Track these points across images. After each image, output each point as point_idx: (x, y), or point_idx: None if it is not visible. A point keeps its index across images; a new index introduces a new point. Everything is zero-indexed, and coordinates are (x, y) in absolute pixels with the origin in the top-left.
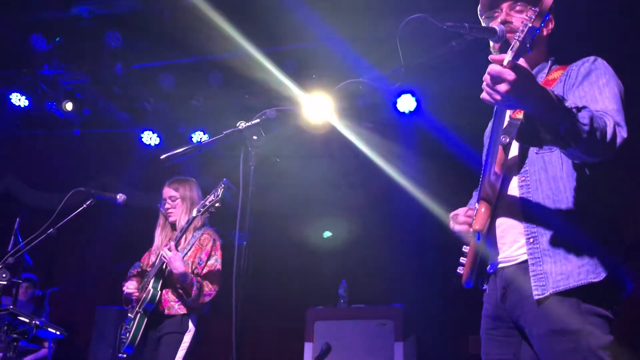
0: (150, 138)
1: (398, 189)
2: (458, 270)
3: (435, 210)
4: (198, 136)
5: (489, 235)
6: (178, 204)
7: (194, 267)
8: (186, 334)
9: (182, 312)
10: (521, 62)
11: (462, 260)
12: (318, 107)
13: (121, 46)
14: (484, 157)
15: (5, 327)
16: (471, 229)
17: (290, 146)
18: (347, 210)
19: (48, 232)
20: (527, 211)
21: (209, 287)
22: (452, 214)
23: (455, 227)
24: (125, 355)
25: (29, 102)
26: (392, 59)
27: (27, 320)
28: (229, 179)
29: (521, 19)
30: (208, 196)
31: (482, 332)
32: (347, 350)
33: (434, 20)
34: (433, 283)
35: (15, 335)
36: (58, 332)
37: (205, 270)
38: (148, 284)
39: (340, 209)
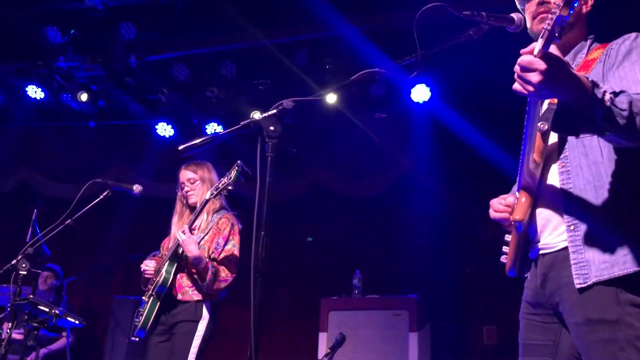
0: (164, 129)
1: (412, 179)
2: (501, 259)
3: (449, 200)
4: (212, 127)
5: (530, 223)
6: (198, 185)
7: (210, 252)
8: (200, 322)
9: (197, 299)
10: (553, 49)
11: (505, 249)
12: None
13: (135, 38)
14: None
15: (26, 316)
16: (512, 219)
17: (305, 136)
18: (361, 201)
19: (65, 223)
20: (568, 198)
21: (225, 273)
22: (491, 201)
23: (496, 215)
24: (137, 339)
25: (44, 94)
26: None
27: (47, 310)
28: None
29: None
30: (222, 179)
31: (521, 316)
32: (361, 341)
33: (451, 9)
34: (447, 273)
35: (35, 324)
36: (76, 321)
37: (222, 255)
38: (162, 268)
39: (354, 199)
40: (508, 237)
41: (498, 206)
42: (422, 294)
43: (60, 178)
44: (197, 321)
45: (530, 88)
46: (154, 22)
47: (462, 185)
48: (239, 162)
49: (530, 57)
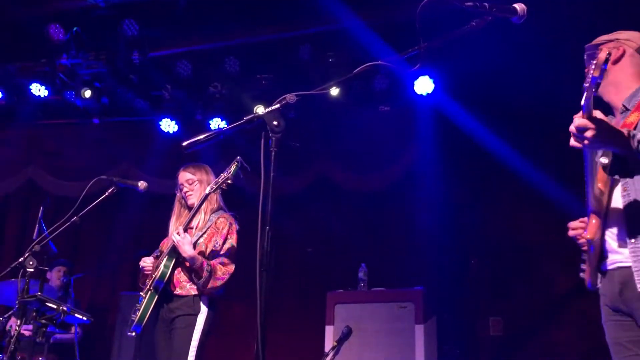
0: (168, 125)
1: (417, 172)
2: (580, 275)
3: (454, 193)
4: (216, 123)
5: (602, 240)
6: (196, 186)
7: (208, 251)
8: (199, 315)
9: (194, 293)
10: (598, 114)
11: (583, 266)
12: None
13: (137, 34)
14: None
15: (34, 313)
16: (585, 238)
17: (309, 130)
18: (366, 194)
19: (72, 220)
20: (630, 216)
21: (222, 271)
22: (570, 223)
23: (570, 233)
24: (134, 334)
25: (48, 92)
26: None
27: (55, 306)
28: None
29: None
30: (221, 174)
31: (605, 321)
32: (368, 333)
33: (454, 0)
34: (453, 266)
35: (44, 321)
36: (84, 318)
37: (220, 254)
38: (160, 263)
39: (359, 193)
40: (584, 256)
41: (574, 224)
42: (427, 286)
43: (65, 176)
44: (196, 315)
45: (586, 142)
46: (156, 18)
47: (466, 178)
48: (238, 157)
49: (582, 120)
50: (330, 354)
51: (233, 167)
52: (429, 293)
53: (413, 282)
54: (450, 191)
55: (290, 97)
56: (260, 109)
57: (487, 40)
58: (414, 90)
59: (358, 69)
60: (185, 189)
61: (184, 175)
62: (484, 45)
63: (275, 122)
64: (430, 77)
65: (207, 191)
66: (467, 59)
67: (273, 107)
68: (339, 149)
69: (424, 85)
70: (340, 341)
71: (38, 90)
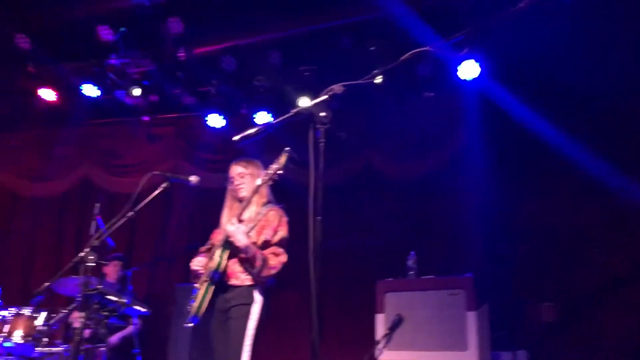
0: (216, 120)
1: (464, 158)
2: None
3: (502, 179)
4: (261, 116)
5: None
6: (247, 180)
7: (261, 242)
8: (253, 305)
9: (249, 283)
10: None
11: None
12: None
13: (182, 31)
14: None
15: (96, 306)
16: None
17: (355, 120)
18: (412, 182)
19: (127, 215)
20: None
21: (274, 261)
22: None
23: None
24: (191, 325)
25: (100, 91)
26: (454, 26)
27: (115, 299)
28: (298, 157)
29: None
30: (271, 165)
31: None
32: (419, 321)
33: None
34: (503, 251)
35: (105, 313)
36: (143, 309)
37: (271, 245)
38: (214, 254)
39: (406, 180)
40: None
41: None
42: (478, 273)
43: (119, 172)
44: (251, 304)
45: None
46: (200, 14)
47: (514, 164)
48: (287, 148)
49: None
50: (382, 342)
51: (283, 158)
52: (480, 279)
53: (463, 269)
54: (498, 176)
55: (338, 88)
56: (303, 101)
57: (535, 22)
58: (458, 75)
59: (404, 56)
60: (236, 182)
61: (236, 169)
62: (531, 27)
63: (323, 114)
64: (476, 62)
65: (257, 183)
66: (514, 42)
67: (321, 99)
68: (383, 137)
69: (468, 70)
70: (392, 329)
71: (90, 90)
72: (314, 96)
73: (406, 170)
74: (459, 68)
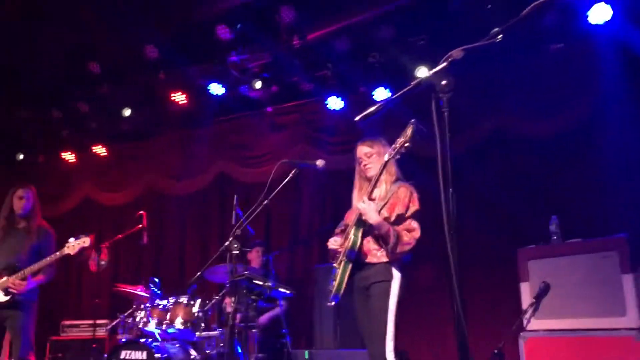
0: (335, 103)
1: (602, 112)
2: None
3: None
4: (379, 93)
5: None
6: (374, 159)
7: (393, 218)
8: (392, 281)
9: (385, 260)
10: None
11: None
12: (501, 38)
13: (294, 20)
14: None
15: (244, 291)
16: None
17: (477, 83)
18: (546, 142)
19: (263, 203)
20: None
21: (408, 237)
22: None
23: None
24: (333, 304)
25: (224, 89)
26: None
27: (261, 283)
28: (425, 129)
29: None
30: (398, 139)
31: None
32: (567, 288)
33: None
34: None
35: (253, 297)
36: (288, 292)
37: (404, 221)
38: (349, 233)
39: (542, 140)
40: None
41: None
42: (632, 232)
43: (251, 164)
44: (390, 281)
45: None
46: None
47: None
48: (413, 120)
49: None
50: (529, 311)
51: (409, 130)
52: (635, 239)
53: (613, 229)
54: None
55: (457, 53)
56: (422, 71)
57: None
58: (588, 21)
59: (526, 9)
60: (364, 162)
61: (362, 149)
62: None
63: (444, 82)
64: (607, 3)
65: (385, 158)
66: None
67: (440, 67)
68: (511, 99)
69: (599, 13)
70: (539, 297)
71: (216, 88)
72: (432, 65)
73: (539, 131)
74: (588, 13)
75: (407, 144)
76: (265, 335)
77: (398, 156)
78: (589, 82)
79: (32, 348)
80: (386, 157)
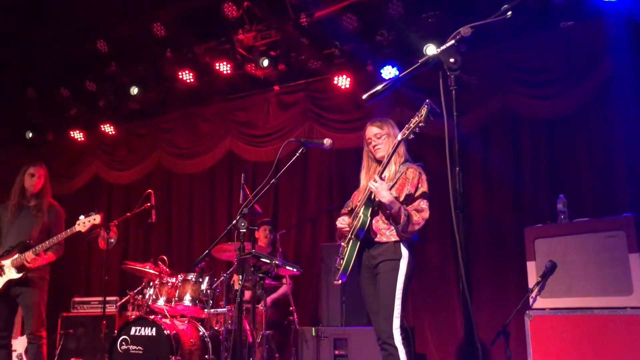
0: (342, 81)
1: (612, 90)
2: None
3: None
4: (387, 71)
5: None
6: (384, 140)
7: (402, 198)
8: (401, 260)
9: (394, 239)
10: None
11: None
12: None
13: None
14: None
15: (252, 268)
16: None
17: (484, 61)
18: (553, 121)
19: (270, 182)
20: None
21: (417, 217)
22: None
23: None
24: (340, 282)
25: (231, 67)
26: None
27: (268, 261)
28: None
29: None
30: (411, 119)
31: None
32: (574, 267)
33: None
34: None
35: (261, 275)
36: (294, 269)
37: (414, 202)
38: (359, 212)
39: (548, 120)
40: None
41: None
42: (639, 212)
43: (258, 143)
44: (399, 259)
45: None
46: None
47: None
48: (427, 100)
49: None
50: (536, 290)
51: (424, 111)
52: None
53: (621, 208)
54: None
55: (465, 31)
56: (430, 49)
57: None
58: None
59: None
60: (373, 143)
61: (372, 130)
62: None
63: (452, 60)
64: None
65: (399, 138)
66: None
67: (448, 44)
68: (519, 77)
69: None
70: (545, 276)
71: (223, 67)
72: (441, 43)
73: (547, 109)
74: None
75: (421, 124)
76: (273, 312)
77: (412, 136)
78: (599, 60)
79: (44, 324)
80: (399, 137)
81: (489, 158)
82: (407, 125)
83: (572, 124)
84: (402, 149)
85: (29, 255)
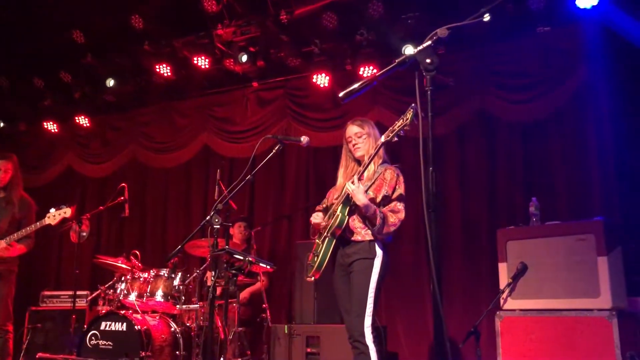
0: (322, 79)
1: (586, 97)
2: None
3: (630, 115)
4: (366, 70)
5: None
6: (364, 139)
7: (378, 200)
8: (375, 259)
9: (369, 238)
10: None
11: None
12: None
13: None
14: None
15: (225, 265)
16: None
17: (462, 64)
18: (529, 124)
19: (246, 178)
20: None
21: (393, 218)
22: None
23: None
24: (313, 279)
25: (210, 62)
26: None
27: (242, 258)
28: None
29: None
30: (396, 121)
31: None
32: (544, 269)
33: None
34: (635, 193)
35: (234, 271)
36: (268, 266)
37: (390, 203)
38: (336, 211)
39: (524, 124)
40: None
41: None
42: (609, 216)
43: (235, 139)
44: (373, 258)
45: None
46: None
47: None
48: (413, 104)
49: None
50: (506, 291)
51: (409, 114)
52: (611, 223)
53: (593, 212)
54: (627, 112)
55: (442, 32)
56: (409, 49)
57: None
58: (575, 4)
59: None
60: (353, 142)
61: (352, 129)
62: None
63: (428, 60)
64: None
65: (382, 140)
66: None
67: (424, 45)
68: (495, 80)
69: None
70: (516, 277)
71: (200, 61)
72: (419, 44)
73: (523, 112)
74: None
75: (406, 127)
76: (246, 309)
77: (396, 139)
78: (574, 65)
79: (11, 317)
80: (382, 139)
81: (465, 159)
82: (391, 128)
83: (547, 128)
84: (381, 150)
85: (1, 243)
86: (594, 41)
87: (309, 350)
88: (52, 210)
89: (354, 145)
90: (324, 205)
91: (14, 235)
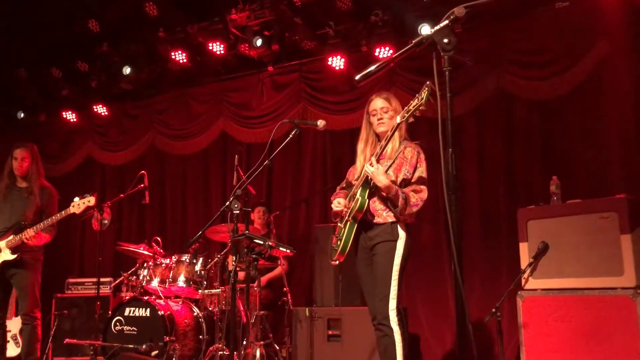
0: (336, 61)
1: (607, 71)
2: None
3: None
4: (382, 51)
5: None
6: (389, 115)
7: (400, 179)
8: (398, 241)
9: (391, 220)
10: None
11: None
12: None
13: None
14: None
15: (245, 250)
16: None
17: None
18: (552, 102)
19: (264, 163)
20: None
21: (415, 198)
22: None
23: None
24: (337, 262)
25: (224, 47)
26: None
27: (262, 242)
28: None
29: None
30: (412, 101)
31: None
32: (566, 248)
33: None
34: None
35: (254, 256)
36: (288, 250)
37: (411, 182)
38: (356, 194)
39: (540, 101)
40: None
41: None
42: (633, 193)
43: (251, 124)
44: (396, 240)
45: None
46: None
47: None
48: (428, 82)
49: None
50: (528, 271)
51: (424, 93)
52: (635, 200)
53: (614, 190)
54: None
55: (459, 10)
56: (425, 29)
57: None
58: None
59: None
60: (378, 116)
61: (378, 102)
62: None
63: (445, 40)
64: None
65: (398, 120)
66: None
67: (441, 25)
68: (513, 57)
69: None
70: (537, 257)
71: (215, 47)
72: (436, 23)
73: (542, 90)
74: None
75: (421, 107)
76: (267, 293)
77: (412, 119)
78: (594, 41)
79: (38, 305)
80: (398, 119)
81: (483, 139)
82: (406, 108)
83: (566, 105)
84: (403, 129)
85: (29, 232)
86: (614, 15)
87: (330, 332)
88: (77, 199)
89: (378, 120)
90: (344, 185)
91: (40, 225)
